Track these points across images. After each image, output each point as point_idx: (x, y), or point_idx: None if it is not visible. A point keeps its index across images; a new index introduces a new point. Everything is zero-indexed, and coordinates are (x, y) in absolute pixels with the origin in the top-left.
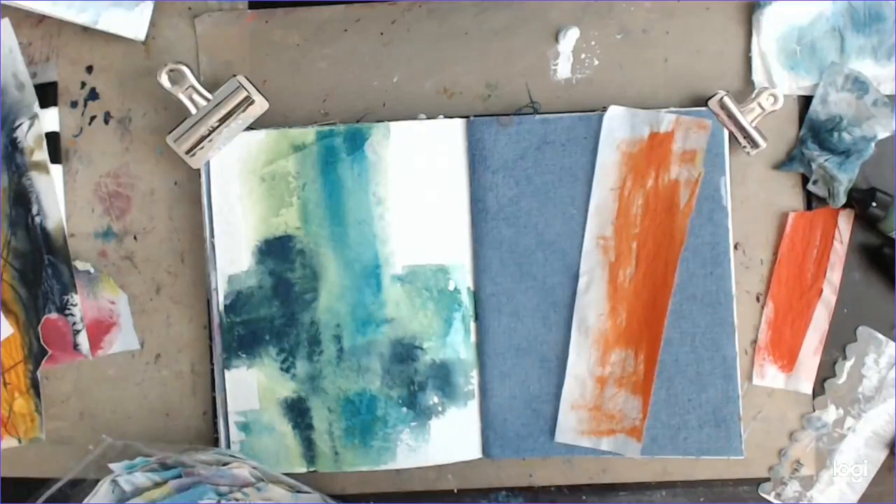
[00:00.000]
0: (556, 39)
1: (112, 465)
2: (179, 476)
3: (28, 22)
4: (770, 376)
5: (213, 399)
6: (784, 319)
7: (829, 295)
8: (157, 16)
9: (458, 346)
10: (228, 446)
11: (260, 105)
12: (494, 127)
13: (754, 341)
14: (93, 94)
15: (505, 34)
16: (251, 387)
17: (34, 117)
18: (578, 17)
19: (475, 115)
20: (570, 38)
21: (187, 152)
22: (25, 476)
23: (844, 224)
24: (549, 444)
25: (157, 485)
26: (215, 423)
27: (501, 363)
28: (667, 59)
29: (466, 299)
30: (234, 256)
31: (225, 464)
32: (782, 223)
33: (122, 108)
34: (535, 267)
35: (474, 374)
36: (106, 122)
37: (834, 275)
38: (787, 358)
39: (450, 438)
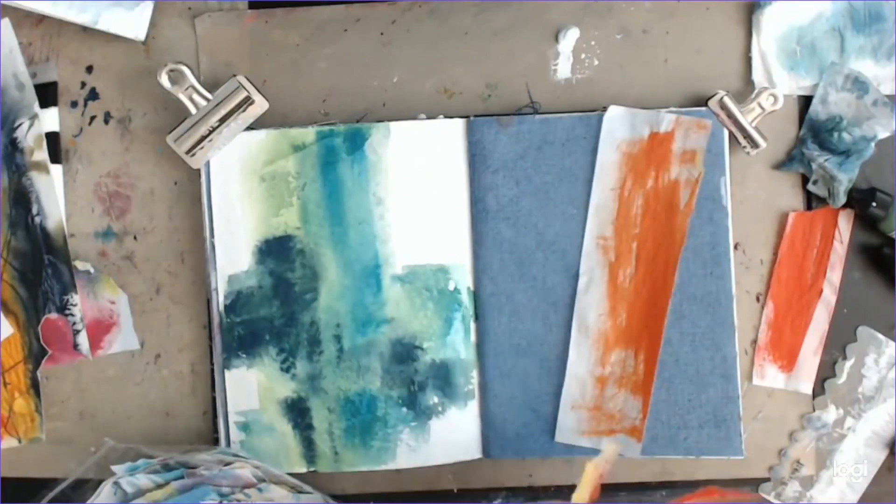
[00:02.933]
0: (556, 39)
1: (114, 467)
2: (182, 477)
3: (28, 22)
4: (770, 376)
5: (213, 399)
6: (784, 319)
7: (830, 295)
8: (157, 16)
9: (458, 346)
10: (229, 446)
11: (260, 105)
12: (494, 127)
13: (754, 341)
14: (93, 94)
15: (505, 34)
16: (251, 387)
17: (34, 117)
18: (578, 17)
19: (475, 115)
20: (570, 38)
21: (187, 152)
22: (25, 476)
23: (844, 224)
24: (549, 444)
25: (159, 486)
26: (215, 423)
27: (501, 363)
28: (667, 59)
29: (466, 299)
30: (234, 256)
31: (228, 464)
32: (782, 223)
33: (122, 108)
34: (535, 267)
35: (474, 374)
36: (106, 122)
37: (834, 275)
38: (787, 358)
39: (450, 438)
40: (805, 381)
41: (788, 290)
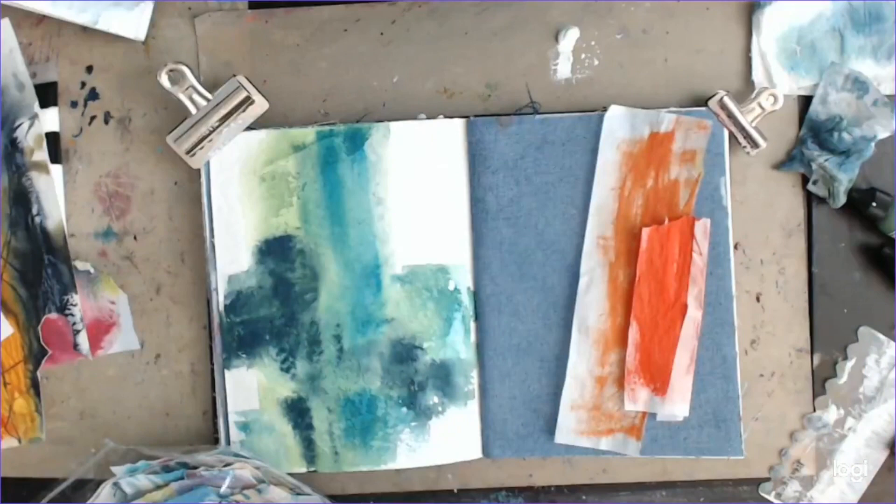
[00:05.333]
0: (556, 39)
1: (114, 468)
2: (182, 478)
3: (28, 22)
4: (643, 400)
5: (213, 399)
6: (651, 340)
7: (695, 311)
8: (157, 16)
9: (458, 346)
10: (228, 446)
11: (260, 105)
12: (494, 127)
13: (754, 341)
14: (93, 94)
15: (505, 34)
16: (251, 387)
17: (34, 117)
18: (578, 17)
19: (475, 115)
20: (570, 38)
21: (187, 152)
22: (25, 476)
23: (702, 235)
24: (549, 444)
25: (158, 487)
26: (215, 423)
27: (501, 363)
28: (667, 59)
29: (466, 299)
30: (234, 256)
31: (228, 464)
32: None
33: (122, 108)
34: (535, 267)
35: (474, 374)
36: (106, 122)
37: (696, 288)
38: (660, 380)
39: (450, 438)
40: (679, 402)
41: (652, 308)
